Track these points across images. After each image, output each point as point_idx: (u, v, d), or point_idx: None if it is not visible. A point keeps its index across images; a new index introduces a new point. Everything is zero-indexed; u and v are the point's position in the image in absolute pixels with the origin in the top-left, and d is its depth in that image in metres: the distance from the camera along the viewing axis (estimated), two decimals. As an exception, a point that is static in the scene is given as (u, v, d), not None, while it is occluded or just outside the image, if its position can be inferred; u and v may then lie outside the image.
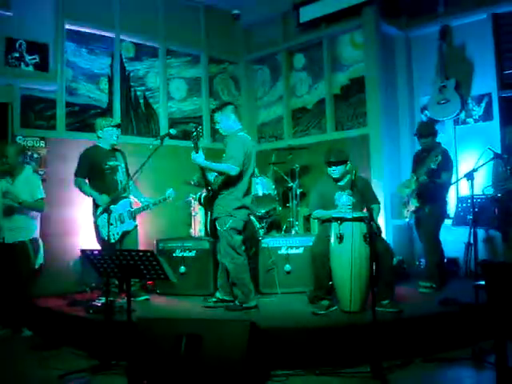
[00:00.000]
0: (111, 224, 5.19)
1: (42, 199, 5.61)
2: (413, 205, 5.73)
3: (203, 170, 5.14)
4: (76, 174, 5.63)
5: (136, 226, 5.69)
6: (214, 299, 5.42)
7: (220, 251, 5.27)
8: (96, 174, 5.60)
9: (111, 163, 5.67)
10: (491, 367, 3.76)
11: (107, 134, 5.68)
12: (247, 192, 5.26)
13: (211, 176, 5.35)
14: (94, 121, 5.91)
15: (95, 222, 5.46)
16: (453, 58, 6.98)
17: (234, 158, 5.03)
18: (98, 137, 5.73)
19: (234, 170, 5.00)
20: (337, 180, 5.29)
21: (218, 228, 5.13)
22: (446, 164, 5.61)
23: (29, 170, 5.74)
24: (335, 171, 5.23)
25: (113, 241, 5.36)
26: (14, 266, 5.50)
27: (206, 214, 5.24)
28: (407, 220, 5.90)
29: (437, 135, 6.00)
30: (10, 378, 4.24)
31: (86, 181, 5.65)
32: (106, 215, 4.95)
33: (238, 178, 5.11)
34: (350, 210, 5.08)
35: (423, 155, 5.86)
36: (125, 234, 5.57)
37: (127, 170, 5.81)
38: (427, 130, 5.89)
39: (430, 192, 5.62)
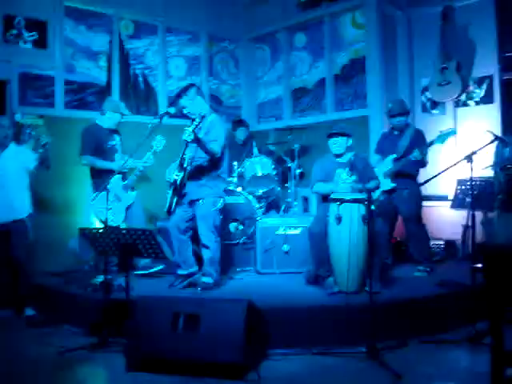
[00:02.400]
0: (110, 208, 5.22)
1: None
2: (386, 184, 5.63)
3: (185, 149, 5.04)
4: (83, 152, 5.58)
5: (135, 198, 5.70)
6: (179, 280, 5.27)
7: (200, 232, 5.13)
8: (97, 153, 5.58)
9: (112, 142, 5.69)
10: (488, 349, 3.79)
11: (113, 117, 5.70)
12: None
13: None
14: (106, 99, 5.93)
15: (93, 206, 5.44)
16: (454, 39, 6.91)
17: (219, 141, 5.04)
18: (103, 114, 5.70)
19: (218, 153, 5.05)
20: (338, 155, 5.22)
21: (206, 208, 5.08)
22: (423, 143, 5.59)
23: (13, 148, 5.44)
24: (336, 144, 5.15)
25: (118, 223, 5.41)
26: (14, 247, 5.36)
27: (174, 195, 5.10)
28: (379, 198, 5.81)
29: (409, 114, 5.98)
30: (7, 355, 4.28)
31: None
32: (100, 198, 4.96)
33: (223, 159, 5.20)
34: (350, 187, 5.02)
35: (394, 135, 5.83)
36: (128, 208, 5.60)
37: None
38: (402, 108, 5.81)
39: (406, 173, 5.61)
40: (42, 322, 5.05)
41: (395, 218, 5.84)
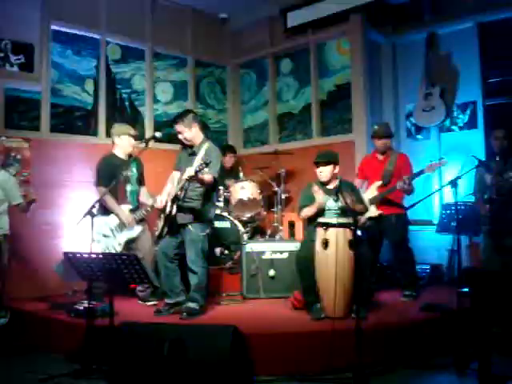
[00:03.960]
0: (108, 236, 5.32)
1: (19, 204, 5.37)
2: (373, 211, 5.60)
3: (184, 184, 4.97)
4: (100, 184, 5.43)
5: (143, 230, 5.59)
6: (166, 308, 5.21)
7: (189, 256, 5.09)
8: (111, 183, 5.47)
9: (125, 173, 5.52)
10: (474, 374, 3.78)
11: (124, 142, 5.59)
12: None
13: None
14: (113, 126, 5.85)
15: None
16: (438, 65, 7.02)
17: (214, 171, 4.96)
18: (114, 143, 5.62)
19: (213, 182, 5.02)
20: (324, 183, 5.25)
21: (195, 233, 5.04)
22: (409, 168, 5.67)
23: (4, 174, 5.47)
24: (322, 173, 5.18)
25: (112, 250, 5.33)
26: None
27: (165, 224, 5.11)
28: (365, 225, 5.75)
29: (393, 137, 6.03)
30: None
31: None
32: (96, 224, 4.86)
33: (216, 186, 5.27)
34: (336, 215, 5.05)
35: (378, 160, 5.85)
36: (131, 242, 5.50)
37: (142, 177, 5.78)
38: (387, 131, 5.84)
39: (392, 199, 5.63)
40: (24, 348, 4.94)
41: (381, 243, 5.84)
